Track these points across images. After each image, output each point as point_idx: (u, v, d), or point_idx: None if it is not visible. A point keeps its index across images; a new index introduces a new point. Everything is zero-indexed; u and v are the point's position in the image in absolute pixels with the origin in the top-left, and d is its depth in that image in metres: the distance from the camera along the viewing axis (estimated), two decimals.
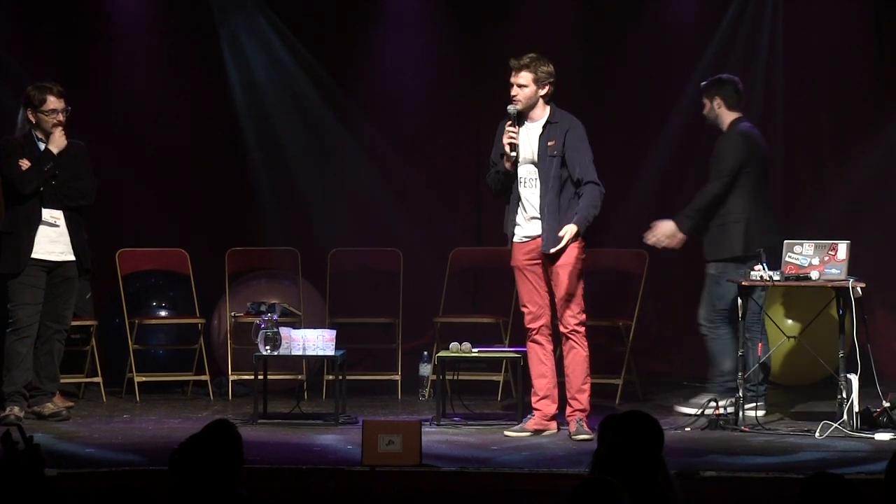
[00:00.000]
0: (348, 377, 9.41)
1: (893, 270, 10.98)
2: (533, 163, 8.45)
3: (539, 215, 8.44)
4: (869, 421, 8.53)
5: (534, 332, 8.54)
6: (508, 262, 8.65)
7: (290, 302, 10.19)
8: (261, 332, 8.96)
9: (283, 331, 8.98)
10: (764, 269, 8.67)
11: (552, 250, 8.34)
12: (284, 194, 11.45)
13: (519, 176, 8.47)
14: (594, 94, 11.54)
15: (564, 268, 8.42)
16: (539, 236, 8.45)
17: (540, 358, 8.57)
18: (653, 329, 11.32)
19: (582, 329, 8.48)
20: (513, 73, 8.48)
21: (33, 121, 8.93)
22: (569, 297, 8.43)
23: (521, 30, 11.36)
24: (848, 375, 8.57)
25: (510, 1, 11.45)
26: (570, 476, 7.12)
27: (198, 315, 10.34)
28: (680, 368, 11.13)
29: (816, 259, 8.66)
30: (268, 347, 8.93)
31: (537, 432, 8.49)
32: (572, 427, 8.45)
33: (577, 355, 8.48)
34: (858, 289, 8.60)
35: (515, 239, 8.52)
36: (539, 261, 8.49)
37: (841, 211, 11.19)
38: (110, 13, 11.36)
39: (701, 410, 8.90)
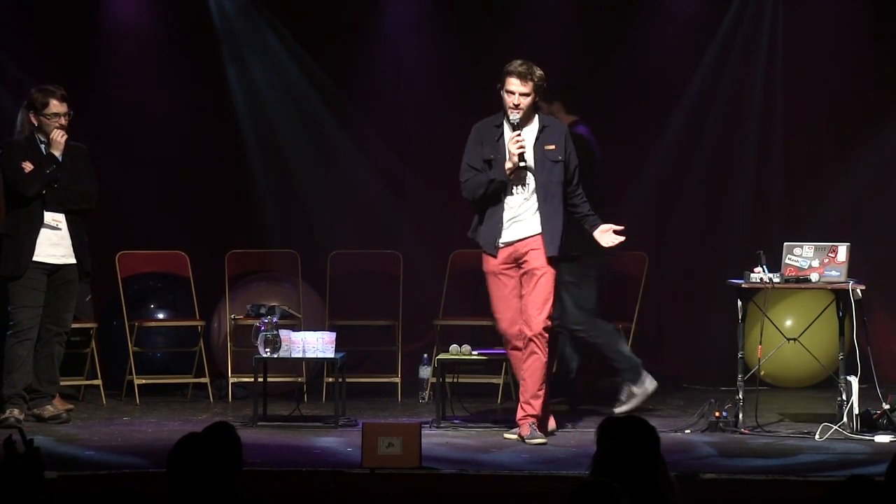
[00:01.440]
0: (348, 379, 9.40)
1: (893, 272, 10.98)
2: (529, 169, 8.40)
3: (523, 218, 8.38)
4: (869, 423, 8.53)
5: (513, 340, 8.51)
6: (482, 267, 8.55)
7: (289, 304, 10.18)
8: (261, 334, 8.96)
9: (283, 333, 8.98)
10: (764, 271, 8.67)
11: (610, 244, 8.40)
12: (284, 196, 11.45)
13: (510, 182, 8.43)
14: (593, 96, 11.53)
15: (543, 272, 8.37)
16: (518, 240, 8.39)
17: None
18: (652, 332, 11.32)
19: (546, 335, 8.42)
20: (518, 82, 8.30)
21: (35, 123, 8.93)
22: (541, 302, 8.38)
23: (521, 31, 11.36)
24: (848, 377, 8.57)
25: (510, 2, 11.45)
26: (571, 478, 7.12)
27: (197, 317, 10.34)
28: (679, 371, 11.13)
29: (816, 261, 8.66)
30: (268, 350, 8.93)
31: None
32: (525, 431, 8.38)
33: (538, 360, 8.42)
34: (858, 291, 8.60)
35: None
36: (513, 266, 8.45)
37: (841, 212, 11.20)
38: (110, 16, 11.36)
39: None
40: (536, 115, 8.48)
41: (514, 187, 8.40)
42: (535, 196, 8.39)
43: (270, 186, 11.44)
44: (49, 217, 8.91)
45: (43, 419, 8.95)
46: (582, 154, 8.92)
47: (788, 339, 9.25)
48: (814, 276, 8.66)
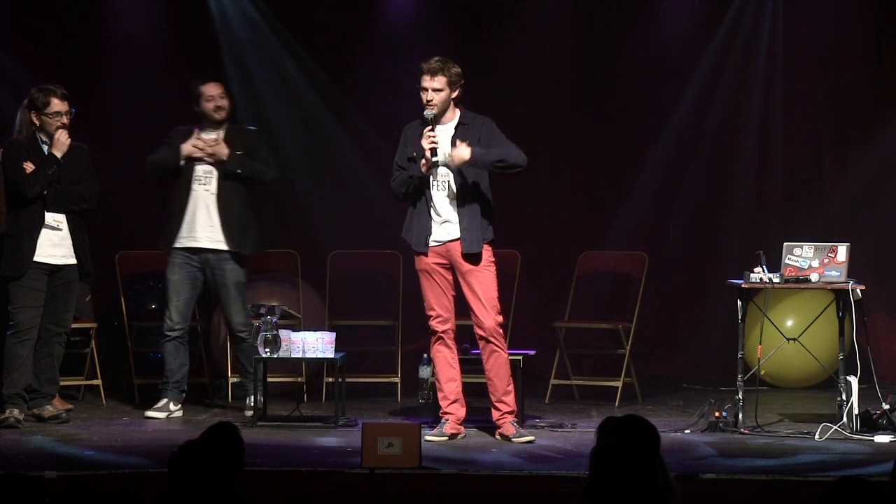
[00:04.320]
0: (348, 379, 9.40)
1: (893, 272, 10.99)
2: (445, 165, 8.40)
3: (451, 219, 8.39)
4: (868, 423, 8.53)
5: (443, 336, 8.50)
6: (415, 266, 8.54)
7: (289, 304, 10.17)
8: (260, 334, 8.96)
9: (283, 333, 8.98)
10: (764, 271, 8.67)
11: (453, 157, 8.22)
12: (284, 196, 11.45)
13: (430, 180, 8.43)
14: (593, 97, 11.55)
15: (479, 271, 8.39)
16: (451, 241, 8.40)
17: (449, 362, 8.54)
18: (652, 332, 11.32)
19: (501, 331, 8.46)
20: (427, 78, 8.38)
21: (37, 123, 8.93)
22: (486, 300, 8.38)
23: (521, 33, 11.38)
24: (847, 377, 8.57)
25: (510, 5, 11.45)
26: (570, 478, 7.13)
27: (197, 317, 10.32)
28: (679, 371, 11.14)
29: (816, 261, 8.66)
30: (267, 350, 8.93)
31: (453, 436, 8.46)
32: (509, 430, 8.40)
33: (500, 358, 8.45)
34: (858, 291, 8.60)
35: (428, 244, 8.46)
36: (448, 265, 8.45)
37: (841, 212, 11.21)
38: (110, 16, 11.37)
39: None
40: (458, 113, 8.49)
41: (437, 185, 8.41)
42: (455, 193, 8.40)
43: (270, 186, 11.42)
44: (50, 217, 8.91)
45: (43, 419, 8.95)
46: (264, 146, 9.44)
47: (788, 339, 9.26)
48: (814, 276, 8.67)
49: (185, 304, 9.32)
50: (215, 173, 9.30)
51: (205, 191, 9.29)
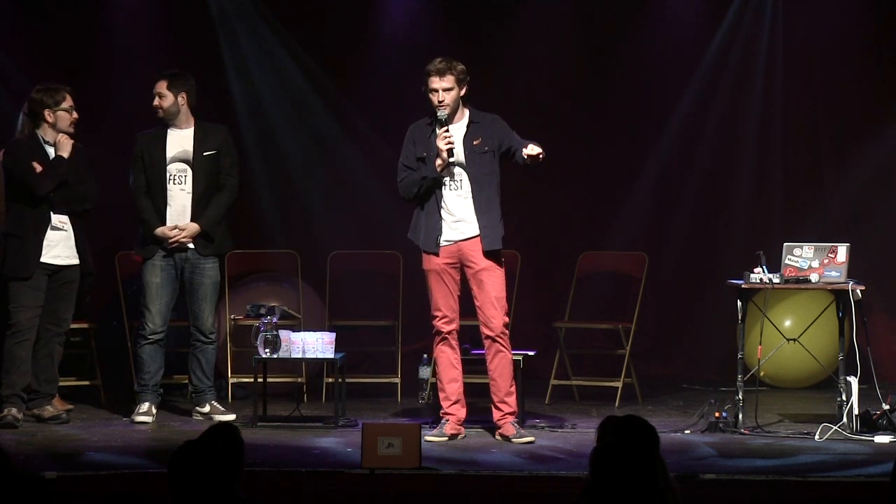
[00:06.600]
0: (348, 380, 9.40)
1: (893, 272, 10.99)
2: (460, 164, 8.41)
3: (464, 218, 8.37)
4: (868, 423, 8.54)
5: (448, 337, 8.50)
6: (423, 266, 8.51)
7: (289, 305, 10.16)
8: (260, 334, 8.96)
9: (283, 333, 8.98)
10: (764, 271, 8.67)
11: (528, 152, 8.18)
12: (284, 197, 11.45)
13: (444, 179, 8.41)
14: (593, 98, 11.55)
15: (492, 270, 8.39)
16: (463, 240, 8.40)
17: (452, 362, 8.54)
18: (652, 332, 11.32)
19: (507, 332, 8.47)
20: (435, 79, 8.36)
21: (51, 121, 8.88)
22: (495, 301, 8.39)
23: (521, 33, 11.37)
24: (847, 378, 8.57)
25: (510, 5, 11.45)
26: (570, 478, 7.13)
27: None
28: (679, 371, 11.14)
29: (816, 261, 8.66)
30: (267, 350, 8.93)
31: (453, 437, 8.46)
32: (509, 430, 8.41)
33: (505, 358, 8.45)
34: (858, 291, 8.61)
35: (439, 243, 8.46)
36: (457, 265, 8.45)
37: (841, 212, 11.21)
38: (109, 16, 11.37)
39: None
40: (467, 111, 8.49)
41: (449, 184, 8.40)
42: (469, 192, 8.39)
43: (270, 186, 11.44)
44: (55, 219, 8.92)
45: (43, 419, 8.95)
46: (232, 146, 9.33)
47: (788, 340, 9.26)
48: (814, 277, 8.67)
49: (165, 308, 9.20)
50: (189, 171, 9.22)
51: (180, 190, 9.22)
